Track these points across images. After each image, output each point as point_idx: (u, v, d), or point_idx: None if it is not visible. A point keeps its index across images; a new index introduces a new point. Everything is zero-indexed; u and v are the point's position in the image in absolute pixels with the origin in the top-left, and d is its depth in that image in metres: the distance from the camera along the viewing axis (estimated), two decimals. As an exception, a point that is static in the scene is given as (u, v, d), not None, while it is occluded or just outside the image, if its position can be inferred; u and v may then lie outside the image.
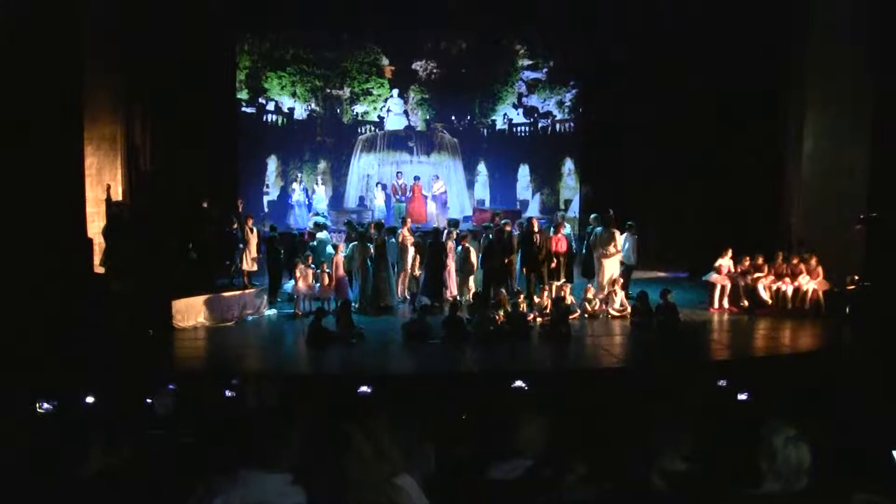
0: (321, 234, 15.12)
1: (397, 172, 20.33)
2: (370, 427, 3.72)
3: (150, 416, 7.04)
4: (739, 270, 14.15)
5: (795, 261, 13.99)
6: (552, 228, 15.13)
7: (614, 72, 18.27)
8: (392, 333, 12.37)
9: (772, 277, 14.02)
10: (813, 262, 13.85)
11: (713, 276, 14.13)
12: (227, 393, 7.91)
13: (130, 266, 13.41)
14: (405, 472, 3.63)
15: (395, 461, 3.63)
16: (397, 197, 19.87)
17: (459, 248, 14.23)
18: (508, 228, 14.73)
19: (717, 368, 10.50)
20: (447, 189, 20.53)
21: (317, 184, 20.27)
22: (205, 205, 14.62)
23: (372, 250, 13.89)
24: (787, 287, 13.86)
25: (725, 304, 14.06)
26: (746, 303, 14.03)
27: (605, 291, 13.72)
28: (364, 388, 7.09)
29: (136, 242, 13.62)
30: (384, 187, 20.26)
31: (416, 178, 20.12)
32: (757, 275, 14.07)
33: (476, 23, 19.32)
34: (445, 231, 14.95)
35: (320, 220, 16.27)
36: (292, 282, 13.77)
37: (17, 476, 4.16)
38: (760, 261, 14.08)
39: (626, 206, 16.18)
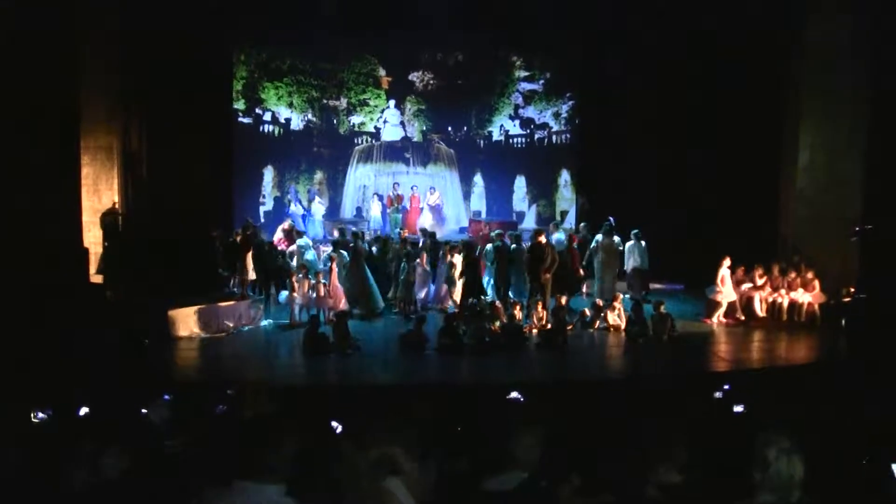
0: (301, 241, 15.26)
1: (394, 183, 20.36)
2: (365, 438, 3.72)
3: (146, 427, 7.00)
4: (735, 281, 14.15)
5: (793, 275, 14.00)
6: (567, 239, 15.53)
7: (611, 83, 18.33)
8: (389, 343, 12.38)
9: (768, 290, 14.04)
10: (809, 275, 13.86)
11: (717, 293, 14.02)
12: (220, 407, 7.87)
13: (126, 275, 13.41)
14: (394, 475, 3.63)
15: (388, 469, 3.63)
16: (393, 207, 19.88)
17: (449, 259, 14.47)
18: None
19: (714, 380, 10.47)
20: (443, 200, 20.57)
21: (319, 197, 20.28)
22: (214, 234, 14.75)
23: (347, 258, 14.07)
24: (784, 300, 13.88)
25: (723, 318, 14.03)
26: (742, 315, 14.02)
27: (610, 299, 13.75)
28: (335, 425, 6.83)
29: (132, 251, 13.62)
30: (381, 198, 20.28)
31: (414, 188, 20.15)
32: (748, 285, 14.07)
33: (473, 34, 19.38)
34: (425, 241, 15.17)
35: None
36: (285, 292, 13.81)
37: (14, 483, 4.15)
38: (759, 273, 14.07)
39: (622, 218, 16.31)
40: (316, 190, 20.51)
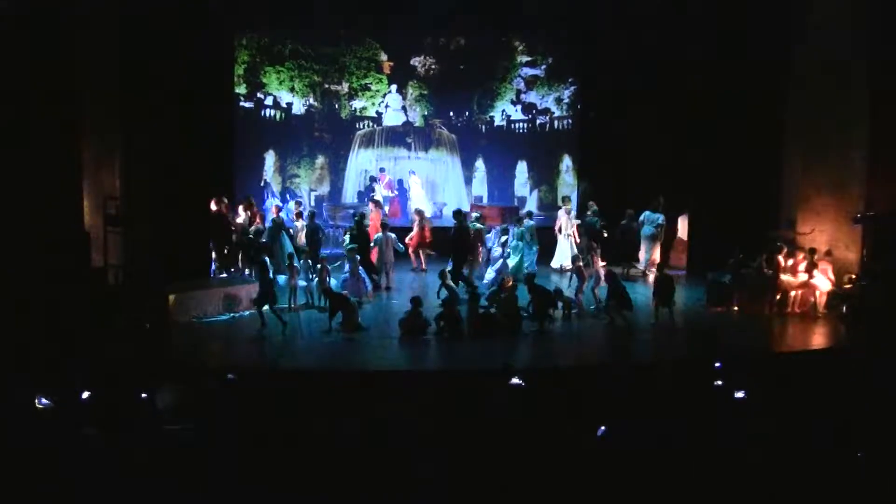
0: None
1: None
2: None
3: (150, 411, 7.03)
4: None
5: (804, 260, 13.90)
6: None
7: (613, 70, 18.29)
8: (388, 328, 12.43)
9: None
10: (821, 263, 13.78)
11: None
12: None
13: (128, 261, 13.45)
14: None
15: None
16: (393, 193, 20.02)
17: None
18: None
19: (714, 366, 10.47)
20: (425, 188, 20.76)
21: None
22: (213, 207, 14.75)
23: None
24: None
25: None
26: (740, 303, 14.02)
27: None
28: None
29: (134, 238, 13.66)
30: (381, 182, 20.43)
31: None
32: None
33: (475, 19, 19.32)
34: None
35: None
36: (283, 276, 13.88)
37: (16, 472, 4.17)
38: (763, 260, 14.02)
39: (624, 204, 16.36)
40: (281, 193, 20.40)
